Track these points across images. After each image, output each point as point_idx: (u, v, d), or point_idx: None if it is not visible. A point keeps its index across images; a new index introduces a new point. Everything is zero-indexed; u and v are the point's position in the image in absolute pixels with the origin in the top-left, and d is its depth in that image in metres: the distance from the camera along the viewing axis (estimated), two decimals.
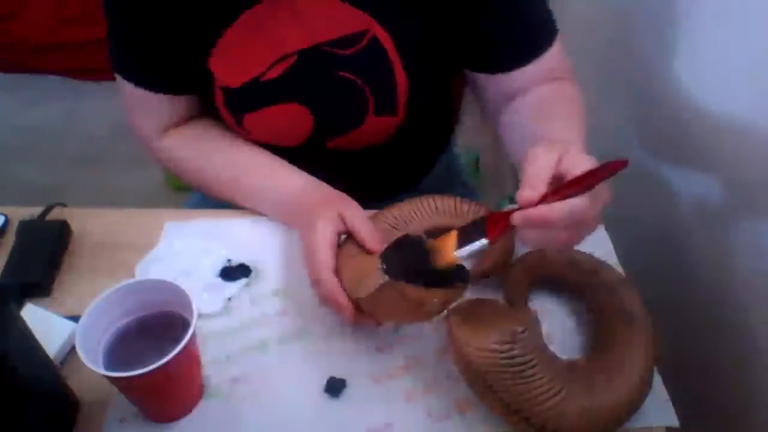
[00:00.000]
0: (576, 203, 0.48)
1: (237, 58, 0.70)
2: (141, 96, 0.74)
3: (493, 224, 0.54)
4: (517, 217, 0.50)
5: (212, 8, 0.67)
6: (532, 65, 0.72)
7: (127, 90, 0.75)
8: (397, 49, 0.69)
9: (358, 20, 0.67)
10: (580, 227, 0.50)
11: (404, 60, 0.70)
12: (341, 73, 0.71)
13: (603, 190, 0.50)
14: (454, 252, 0.55)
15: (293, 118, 0.75)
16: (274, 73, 0.71)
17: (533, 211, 0.49)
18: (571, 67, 0.75)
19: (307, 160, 0.75)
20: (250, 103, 0.73)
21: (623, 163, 0.49)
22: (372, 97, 0.73)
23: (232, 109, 0.74)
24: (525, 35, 0.72)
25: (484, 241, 0.54)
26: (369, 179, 0.74)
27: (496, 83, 0.75)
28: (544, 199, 0.49)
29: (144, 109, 0.77)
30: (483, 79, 0.75)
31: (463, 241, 0.56)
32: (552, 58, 0.72)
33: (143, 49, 0.72)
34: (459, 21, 0.70)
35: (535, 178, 0.50)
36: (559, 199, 0.48)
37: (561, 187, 0.49)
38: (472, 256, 0.55)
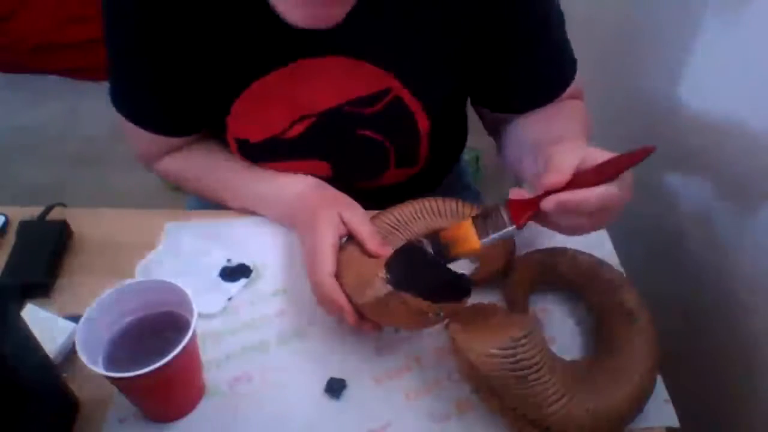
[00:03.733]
0: (609, 189, 0.49)
1: (256, 117, 0.69)
2: (141, 131, 0.74)
3: (517, 211, 0.54)
4: (549, 202, 0.50)
5: (233, 69, 0.66)
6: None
7: (125, 122, 0.74)
8: (422, 106, 0.69)
9: (380, 80, 0.67)
10: (606, 213, 0.52)
11: (429, 116, 0.70)
12: (363, 132, 0.71)
13: (628, 181, 0.52)
14: (480, 240, 0.55)
15: (311, 170, 0.74)
16: (294, 132, 0.70)
17: (567, 195, 0.50)
18: (581, 87, 0.74)
19: None
20: (267, 156, 0.73)
21: (649, 150, 0.49)
22: (394, 153, 0.73)
23: (247, 157, 0.74)
24: (548, 80, 0.71)
25: (511, 228, 0.54)
26: (381, 204, 0.74)
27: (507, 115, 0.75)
28: (566, 188, 0.50)
29: (143, 139, 0.75)
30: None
31: (482, 230, 0.56)
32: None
33: (148, 96, 0.71)
34: (484, 74, 0.70)
35: (562, 165, 0.51)
36: (582, 187, 0.50)
37: (585, 174, 0.51)
38: (492, 244, 0.55)
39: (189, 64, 0.66)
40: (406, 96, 0.68)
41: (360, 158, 0.73)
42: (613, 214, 0.53)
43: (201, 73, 0.67)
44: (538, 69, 0.70)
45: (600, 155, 0.51)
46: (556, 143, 0.56)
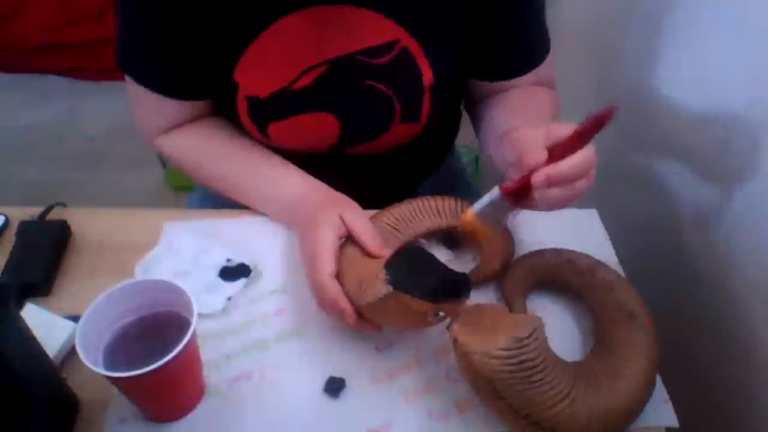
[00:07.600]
0: (584, 153, 0.53)
1: (265, 68, 0.69)
2: (149, 96, 0.73)
3: (514, 194, 0.57)
4: (538, 178, 0.53)
5: (241, 18, 0.66)
6: (526, 74, 0.75)
7: (132, 87, 0.73)
8: (427, 58, 0.70)
9: (389, 30, 0.68)
10: (587, 177, 0.55)
11: (433, 70, 0.71)
12: (370, 83, 0.71)
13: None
14: (484, 228, 0.59)
15: (320, 127, 0.74)
16: (303, 82, 0.70)
17: (551, 169, 0.52)
18: (554, 77, 0.79)
19: (317, 165, 0.74)
20: (277, 112, 0.72)
21: (610, 112, 0.51)
22: (399, 106, 0.73)
23: (256, 119, 0.73)
24: (530, 47, 0.75)
25: (512, 210, 0.58)
26: (377, 181, 0.73)
27: (486, 85, 0.77)
28: (546, 163, 0.53)
29: (150, 108, 0.75)
30: (474, 80, 0.78)
31: (488, 219, 0.59)
32: (542, 68, 0.76)
33: (159, 53, 0.70)
34: (477, 32, 0.71)
35: (535, 146, 0.54)
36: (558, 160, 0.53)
37: (560, 149, 0.53)
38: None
39: (197, 15, 0.66)
40: (414, 47, 0.69)
41: (366, 110, 0.74)
42: (590, 178, 0.55)
43: (209, 25, 0.67)
44: (520, 37, 0.74)
45: (560, 128, 0.54)
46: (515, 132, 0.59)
